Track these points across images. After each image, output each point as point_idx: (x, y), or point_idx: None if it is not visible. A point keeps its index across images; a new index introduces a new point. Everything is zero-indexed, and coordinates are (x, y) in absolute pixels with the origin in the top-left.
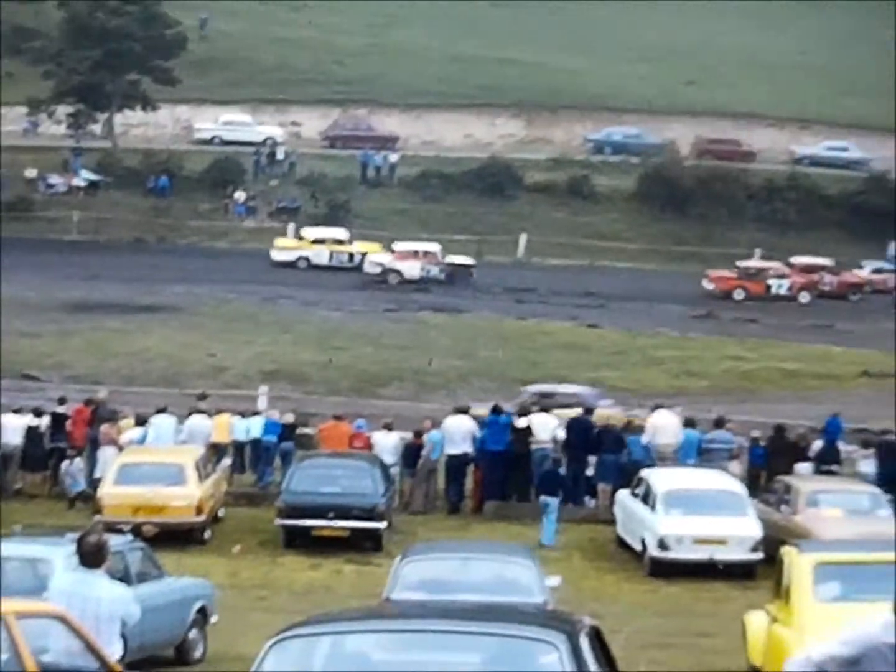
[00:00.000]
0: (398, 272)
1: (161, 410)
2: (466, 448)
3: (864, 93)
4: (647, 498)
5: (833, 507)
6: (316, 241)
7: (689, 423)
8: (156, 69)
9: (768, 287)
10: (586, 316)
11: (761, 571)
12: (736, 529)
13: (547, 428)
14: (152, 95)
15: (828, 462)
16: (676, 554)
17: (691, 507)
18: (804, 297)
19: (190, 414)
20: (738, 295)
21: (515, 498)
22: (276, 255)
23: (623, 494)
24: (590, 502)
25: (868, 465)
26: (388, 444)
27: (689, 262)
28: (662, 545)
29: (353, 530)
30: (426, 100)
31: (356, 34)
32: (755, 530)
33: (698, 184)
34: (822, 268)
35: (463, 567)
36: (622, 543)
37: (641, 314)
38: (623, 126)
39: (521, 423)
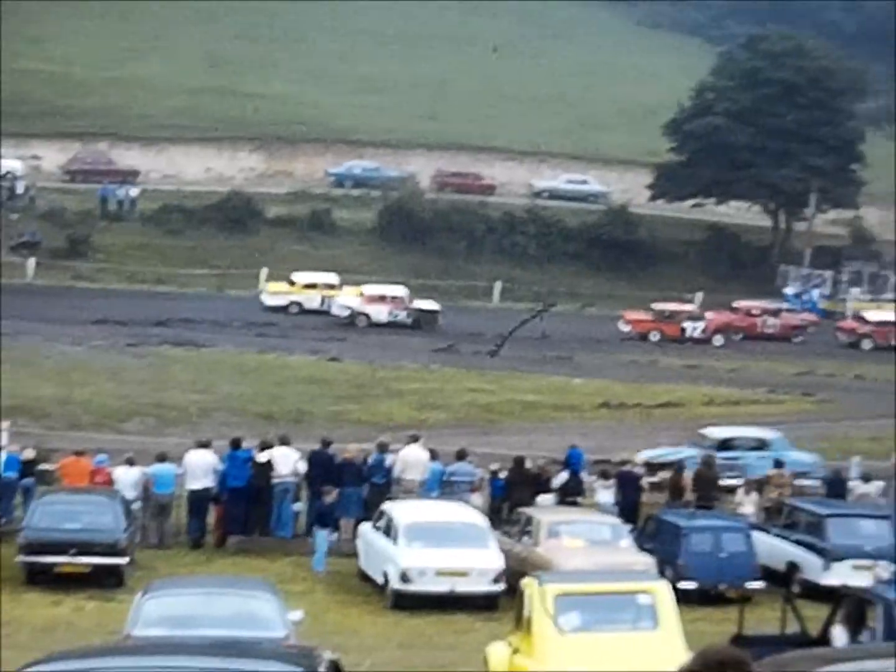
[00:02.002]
0: (366, 315)
1: None
2: (208, 483)
3: (602, 126)
4: (388, 531)
5: (574, 537)
6: (308, 286)
7: (431, 455)
8: None
9: (683, 329)
10: (328, 349)
11: (504, 603)
12: (477, 561)
13: (288, 462)
14: None
15: (571, 493)
16: (418, 586)
17: (433, 540)
18: (718, 340)
19: None
20: (654, 337)
21: (258, 532)
22: (268, 300)
23: (365, 527)
24: (332, 536)
25: (606, 496)
26: (129, 479)
27: (429, 295)
28: (404, 578)
29: (95, 566)
30: (167, 133)
31: (97, 67)
32: (497, 562)
33: (438, 217)
34: (765, 311)
35: (205, 602)
36: (365, 577)
37: (383, 347)
38: (364, 160)
39: (262, 457)
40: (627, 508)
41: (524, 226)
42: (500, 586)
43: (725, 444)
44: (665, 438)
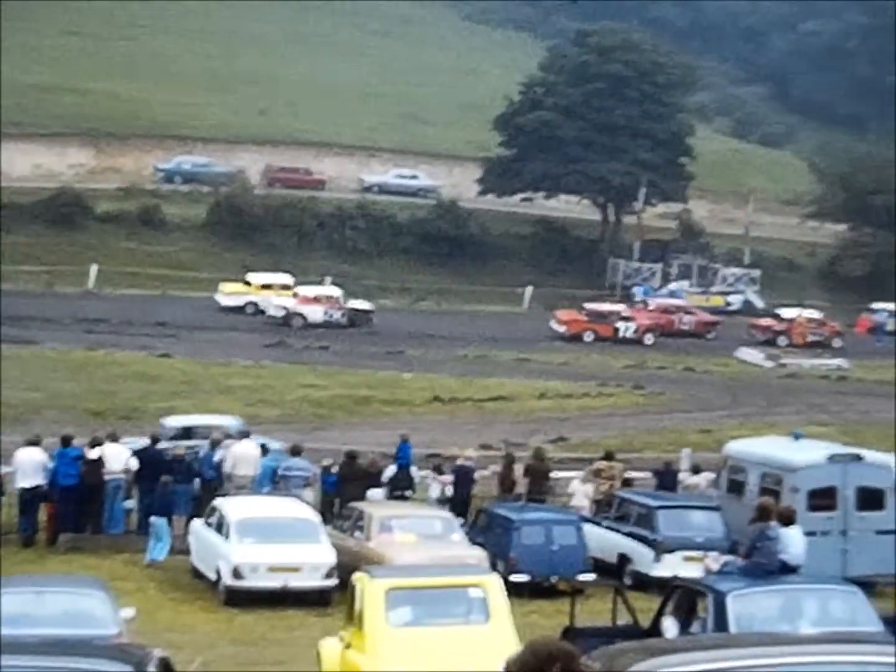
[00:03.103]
0: (302, 316)
1: None
2: (38, 480)
3: (432, 121)
4: (220, 527)
5: (406, 532)
6: (264, 287)
7: (263, 451)
8: None
9: (616, 329)
10: (158, 346)
11: (336, 598)
12: (310, 556)
13: (120, 459)
14: None
15: (401, 487)
16: (251, 582)
17: (265, 536)
18: (649, 339)
19: None
20: (588, 337)
21: (90, 530)
22: (224, 301)
23: (197, 524)
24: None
25: (437, 490)
26: None
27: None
28: (237, 574)
29: None
30: None
31: None
32: (329, 557)
33: (268, 212)
34: (678, 308)
35: (35, 601)
36: (197, 573)
37: (214, 343)
38: (193, 155)
39: (93, 454)
40: (459, 502)
41: (354, 220)
42: (333, 581)
43: (186, 433)
44: (497, 432)
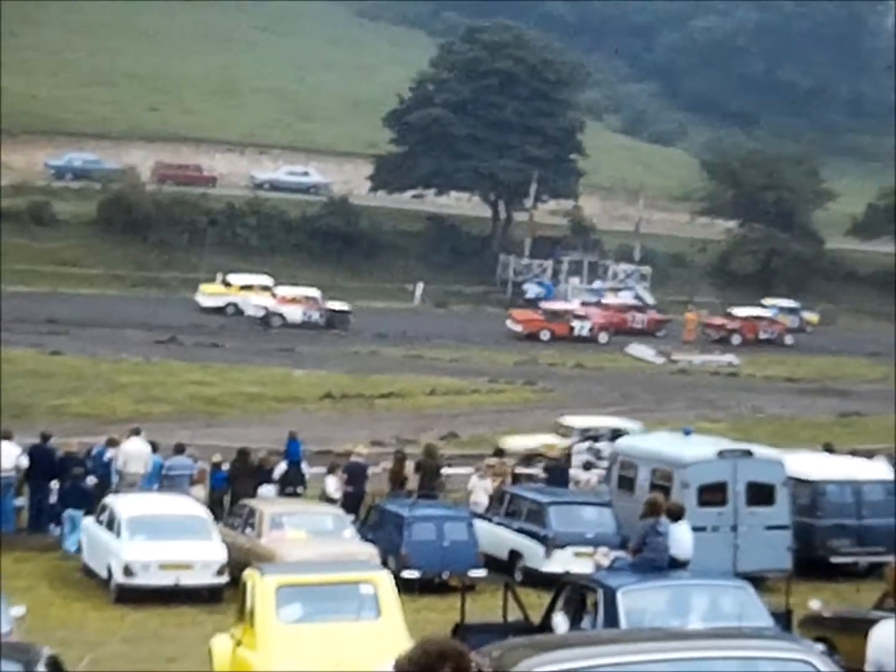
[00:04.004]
0: (281, 316)
1: None
2: None
3: (322, 118)
4: (111, 524)
5: (297, 529)
6: (244, 288)
7: (153, 448)
8: None
9: (572, 328)
10: (49, 343)
11: (228, 595)
12: (201, 554)
13: (10, 456)
14: None
15: (292, 484)
16: (142, 580)
17: (156, 533)
18: (603, 338)
19: None
20: (545, 336)
21: None
22: (204, 301)
23: (88, 522)
24: (55, 530)
25: (331, 487)
26: None
27: (150, 287)
28: (128, 571)
29: None
30: None
31: None
32: (220, 554)
33: (159, 209)
34: (632, 307)
35: None
36: (89, 571)
37: (104, 340)
38: (84, 152)
39: None
40: (352, 499)
41: (245, 217)
42: (224, 578)
43: None
44: (388, 428)
